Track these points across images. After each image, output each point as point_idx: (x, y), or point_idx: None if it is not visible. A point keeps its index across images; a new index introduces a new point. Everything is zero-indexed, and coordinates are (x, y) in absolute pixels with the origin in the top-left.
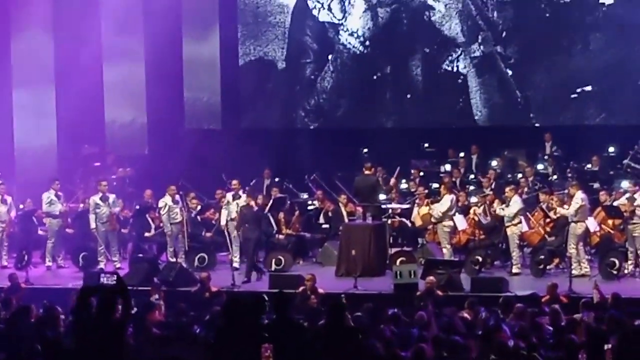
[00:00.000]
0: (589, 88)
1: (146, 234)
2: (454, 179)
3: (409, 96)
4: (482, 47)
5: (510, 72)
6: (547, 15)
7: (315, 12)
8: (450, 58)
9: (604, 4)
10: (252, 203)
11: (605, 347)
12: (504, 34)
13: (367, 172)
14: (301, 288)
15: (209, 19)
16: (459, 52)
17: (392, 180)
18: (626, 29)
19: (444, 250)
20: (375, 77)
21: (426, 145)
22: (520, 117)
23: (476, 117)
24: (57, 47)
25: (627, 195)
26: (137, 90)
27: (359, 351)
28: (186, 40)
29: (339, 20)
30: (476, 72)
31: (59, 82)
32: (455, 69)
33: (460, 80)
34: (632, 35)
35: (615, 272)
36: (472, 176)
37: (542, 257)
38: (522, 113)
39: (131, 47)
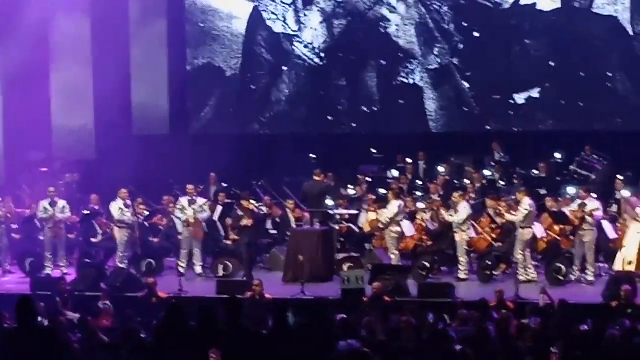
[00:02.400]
0: (536, 95)
1: (93, 240)
2: (401, 185)
3: (364, 108)
4: (438, 59)
5: (467, 85)
6: (493, 23)
7: (270, 23)
8: (406, 70)
9: (541, 11)
10: (252, 207)
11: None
12: (460, 46)
13: (316, 178)
14: (249, 294)
15: (157, 24)
16: (415, 65)
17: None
18: (569, 36)
19: (392, 256)
20: (330, 89)
21: (374, 151)
22: (474, 127)
23: (432, 127)
24: (2, 53)
25: (579, 201)
26: (85, 95)
27: (301, 356)
28: (134, 45)
29: (294, 31)
30: (432, 84)
31: (5, 87)
32: (411, 81)
33: (416, 93)
34: (575, 42)
35: (561, 278)
36: (419, 182)
37: (489, 262)
38: (477, 123)
39: (78, 52)
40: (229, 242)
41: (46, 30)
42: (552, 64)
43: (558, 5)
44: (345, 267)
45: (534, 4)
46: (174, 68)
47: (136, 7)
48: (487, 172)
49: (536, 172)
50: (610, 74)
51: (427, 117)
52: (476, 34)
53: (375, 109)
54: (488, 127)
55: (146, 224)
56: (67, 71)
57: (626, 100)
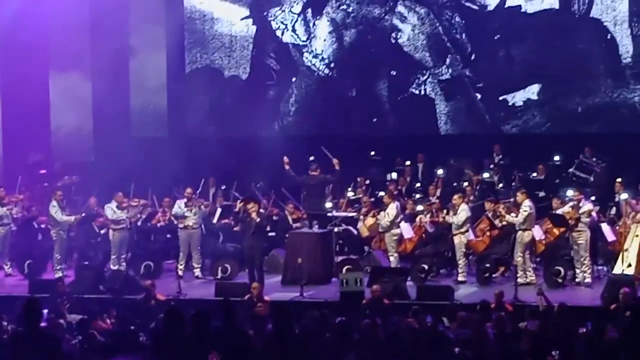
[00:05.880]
0: (534, 97)
1: (92, 241)
2: (400, 187)
3: (375, 120)
4: (450, 69)
5: (479, 96)
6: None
7: (279, 33)
8: (417, 81)
9: (525, 12)
10: (254, 214)
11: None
12: (472, 56)
13: (313, 173)
14: (247, 296)
15: (156, 26)
16: (427, 75)
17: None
18: (560, 39)
19: (391, 259)
20: (339, 100)
21: (372, 153)
22: (477, 130)
23: (441, 131)
24: (2, 55)
25: (572, 203)
26: (84, 97)
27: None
28: (133, 47)
29: (303, 41)
30: (444, 95)
31: (4, 90)
32: (422, 92)
33: (427, 103)
34: (566, 45)
35: (560, 281)
36: (418, 184)
37: (488, 265)
38: (480, 126)
39: (77, 54)
40: (227, 244)
41: (46, 33)
42: (548, 67)
43: (555, 6)
44: (343, 270)
45: (519, 6)
46: (172, 69)
47: (135, 10)
48: (485, 175)
49: (534, 174)
50: (601, 77)
51: (437, 123)
52: (475, 37)
53: (387, 119)
54: (504, 129)
55: (148, 224)
56: (66, 73)
57: (620, 103)
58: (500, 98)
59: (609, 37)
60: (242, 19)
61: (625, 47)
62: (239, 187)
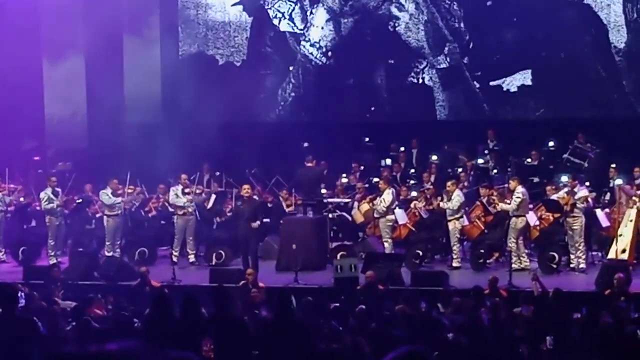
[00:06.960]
0: (528, 82)
1: (87, 227)
2: (394, 173)
3: (373, 109)
4: (448, 58)
5: (477, 85)
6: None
7: (275, 21)
8: (415, 70)
9: None
10: (251, 193)
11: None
12: (470, 45)
13: (309, 164)
14: (242, 282)
15: (150, 11)
16: (425, 64)
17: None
18: (550, 24)
19: (386, 244)
20: (337, 89)
21: (367, 139)
22: (472, 116)
23: (438, 117)
24: None
25: (567, 189)
26: (77, 83)
27: (304, 345)
28: (126, 33)
29: (300, 30)
30: (442, 84)
31: None
32: (420, 80)
33: (424, 92)
34: (566, 29)
35: (554, 266)
36: (412, 170)
37: (482, 251)
38: (474, 112)
39: (71, 41)
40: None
41: (38, 20)
42: (541, 52)
43: None
44: (338, 256)
45: None
46: (166, 55)
47: None
48: (480, 160)
49: (529, 160)
50: (595, 62)
51: (435, 111)
52: (473, 25)
53: (385, 108)
54: (498, 114)
55: (142, 212)
56: (60, 60)
57: (613, 89)
58: (495, 84)
59: (602, 22)
60: (232, 5)
61: (619, 32)
62: (233, 173)
